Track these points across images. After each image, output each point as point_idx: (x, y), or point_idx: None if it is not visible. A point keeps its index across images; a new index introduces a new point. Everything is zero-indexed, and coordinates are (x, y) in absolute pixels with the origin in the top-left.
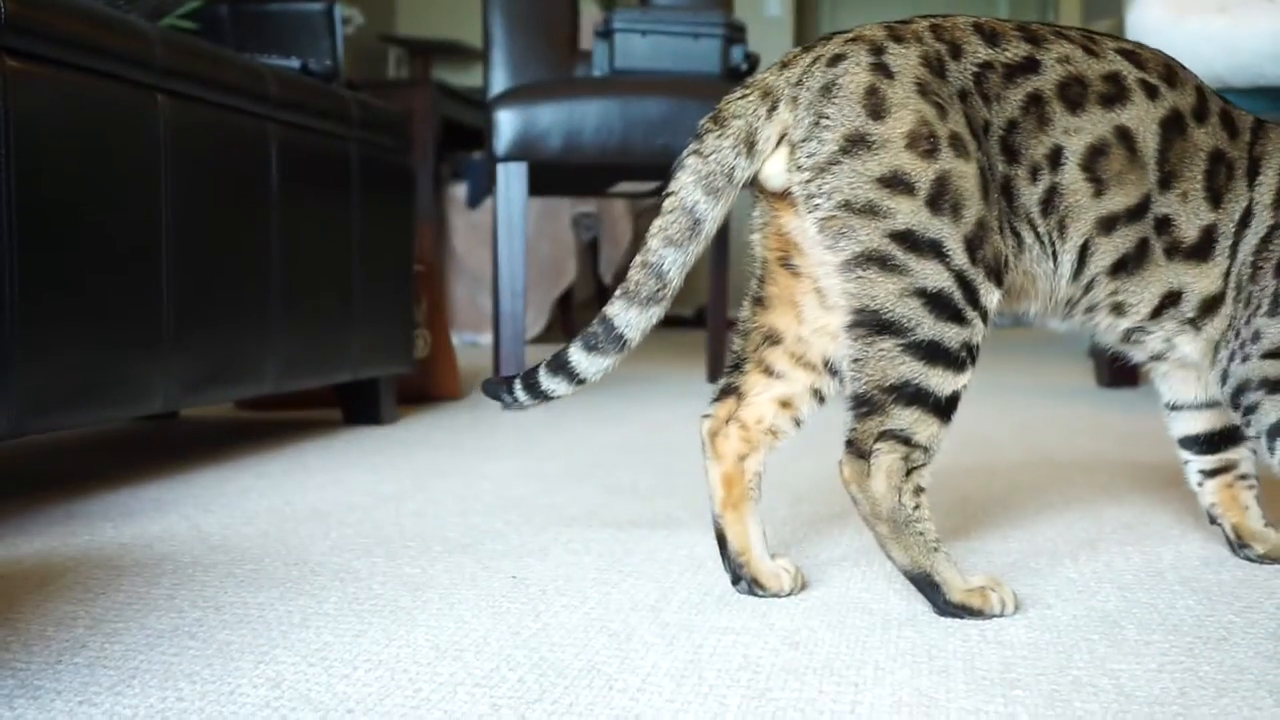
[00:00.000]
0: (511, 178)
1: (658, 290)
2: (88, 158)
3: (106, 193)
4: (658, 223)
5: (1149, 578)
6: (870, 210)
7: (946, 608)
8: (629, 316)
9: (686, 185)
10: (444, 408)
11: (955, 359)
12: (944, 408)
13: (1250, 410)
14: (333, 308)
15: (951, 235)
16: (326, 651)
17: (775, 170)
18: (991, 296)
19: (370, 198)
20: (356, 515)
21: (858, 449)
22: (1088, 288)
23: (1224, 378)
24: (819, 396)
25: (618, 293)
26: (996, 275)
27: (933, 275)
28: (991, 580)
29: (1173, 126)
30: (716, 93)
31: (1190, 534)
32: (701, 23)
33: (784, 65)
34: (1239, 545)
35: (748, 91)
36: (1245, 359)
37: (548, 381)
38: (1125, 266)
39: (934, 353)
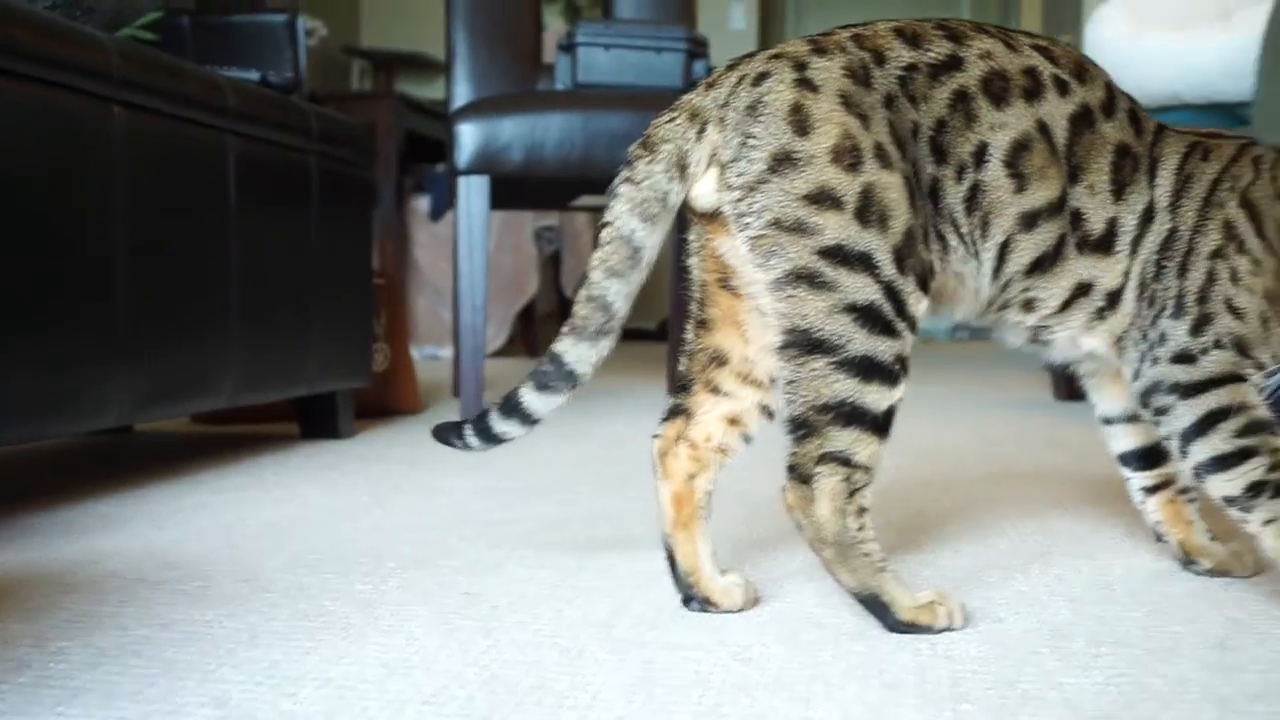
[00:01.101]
0: (473, 191)
1: (605, 322)
2: (42, 169)
3: (61, 205)
4: (597, 255)
5: (1099, 590)
6: (799, 228)
7: (896, 625)
8: (579, 352)
9: (622, 214)
10: (403, 422)
11: (889, 373)
12: (881, 424)
13: (1161, 412)
14: (290, 321)
15: (880, 247)
16: (274, 669)
17: (705, 191)
18: (919, 305)
19: (330, 211)
20: (310, 531)
21: (800, 474)
22: (1005, 286)
23: (1135, 376)
24: (767, 413)
25: (565, 329)
26: (923, 282)
27: (862, 289)
28: (939, 594)
29: (1081, 121)
30: None
31: (1141, 547)
32: (664, 37)
33: (710, 85)
34: (1187, 561)
35: (675, 114)
36: (1155, 361)
37: (500, 424)
38: (1043, 264)
39: (867, 368)
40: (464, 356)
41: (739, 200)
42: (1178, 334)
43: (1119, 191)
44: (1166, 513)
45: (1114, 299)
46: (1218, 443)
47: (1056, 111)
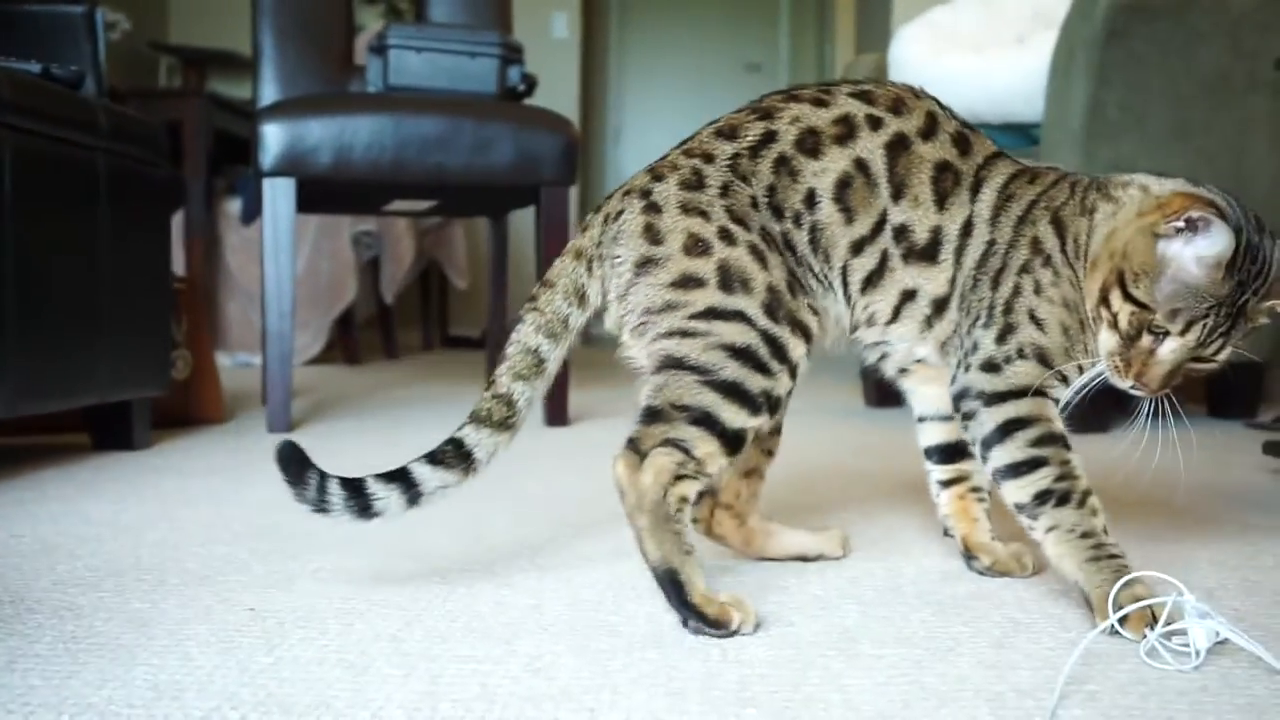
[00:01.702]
0: (279, 194)
1: (508, 416)
2: None
3: None
4: (504, 365)
5: (889, 592)
6: (669, 307)
7: (686, 607)
8: (479, 437)
9: (528, 333)
10: (205, 431)
11: (753, 402)
12: (730, 439)
13: (968, 417)
14: (77, 327)
15: (749, 304)
16: (31, 695)
17: (611, 320)
18: (798, 350)
19: (121, 211)
20: (89, 547)
21: (636, 447)
22: (852, 307)
23: (952, 381)
24: (768, 452)
25: (468, 417)
26: (803, 330)
27: (739, 334)
28: (734, 599)
29: (897, 147)
30: (491, 112)
31: (933, 548)
32: (478, 42)
33: (585, 229)
34: (968, 557)
35: (564, 255)
36: (967, 368)
37: (380, 490)
38: (872, 280)
39: (733, 391)
40: (271, 363)
41: (618, 305)
42: (986, 343)
43: (941, 202)
44: (955, 507)
45: (940, 306)
46: (1013, 450)
47: (871, 145)
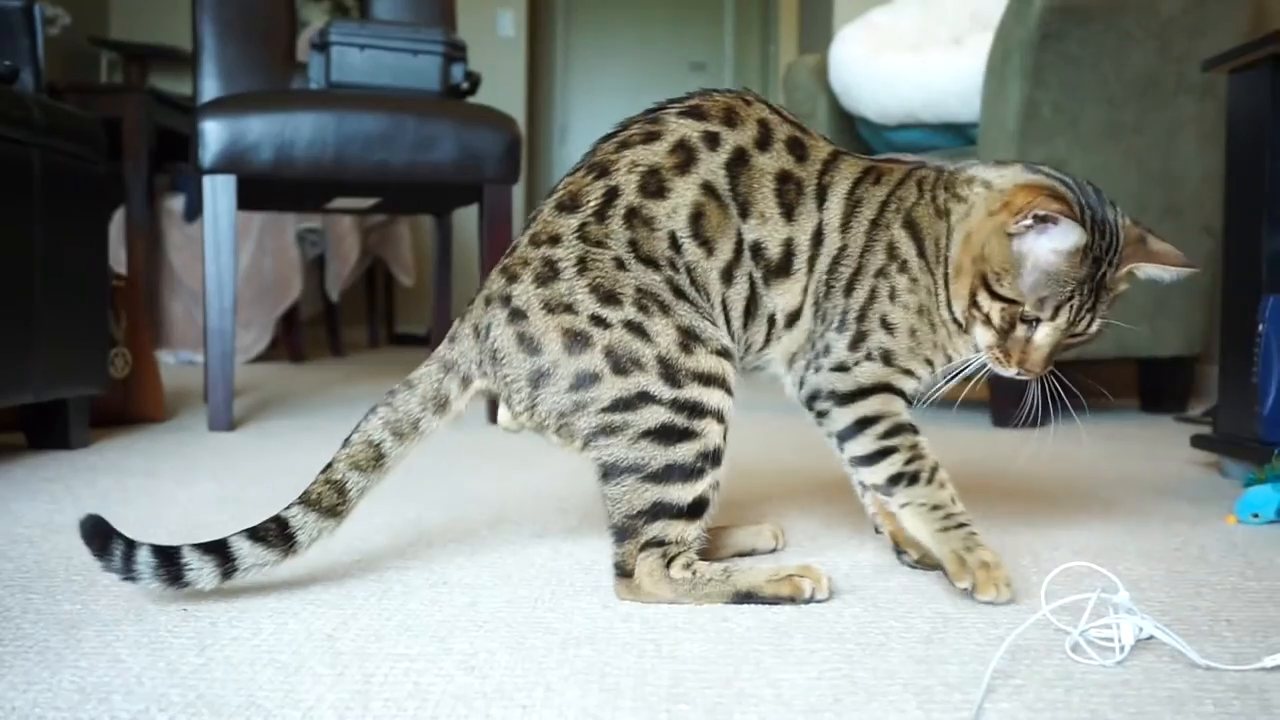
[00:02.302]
0: (219, 191)
1: (338, 504)
2: None
3: None
4: (345, 450)
5: None
6: (578, 406)
7: (774, 602)
8: (305, 519)
9: (376, 426)
10: (144, 430)
11: (693, 470)
12: (690, 510)
13: (822, 415)
14: (9, 325)
15: (649, 381)
16: None
17: (506, 419)
18: (713, 397)
19: (56, 208)
20: (20, 548)
21: (623, 570)
22: (738, 341)
23: (800, 384)
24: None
25: (298, 498)
26: (712, 379)
27: (651, 417)
28: (800, 569)
29: (737, 163)
30: (434, 109)
31: (868, 544)
32: (421, 39)
33: (451, 340)
34: (898, 552)
35: (430, 365)
36: (818, 370)
37: (194, 560)
38: (750, 311)
39: (670, 475)
40: (213, 361)
41: (532, 416)
42: (838, 347)
43: (789, 214)
44: (879, 505)
45: (793, 319)
46: (866, 444)
47: (713, 166)
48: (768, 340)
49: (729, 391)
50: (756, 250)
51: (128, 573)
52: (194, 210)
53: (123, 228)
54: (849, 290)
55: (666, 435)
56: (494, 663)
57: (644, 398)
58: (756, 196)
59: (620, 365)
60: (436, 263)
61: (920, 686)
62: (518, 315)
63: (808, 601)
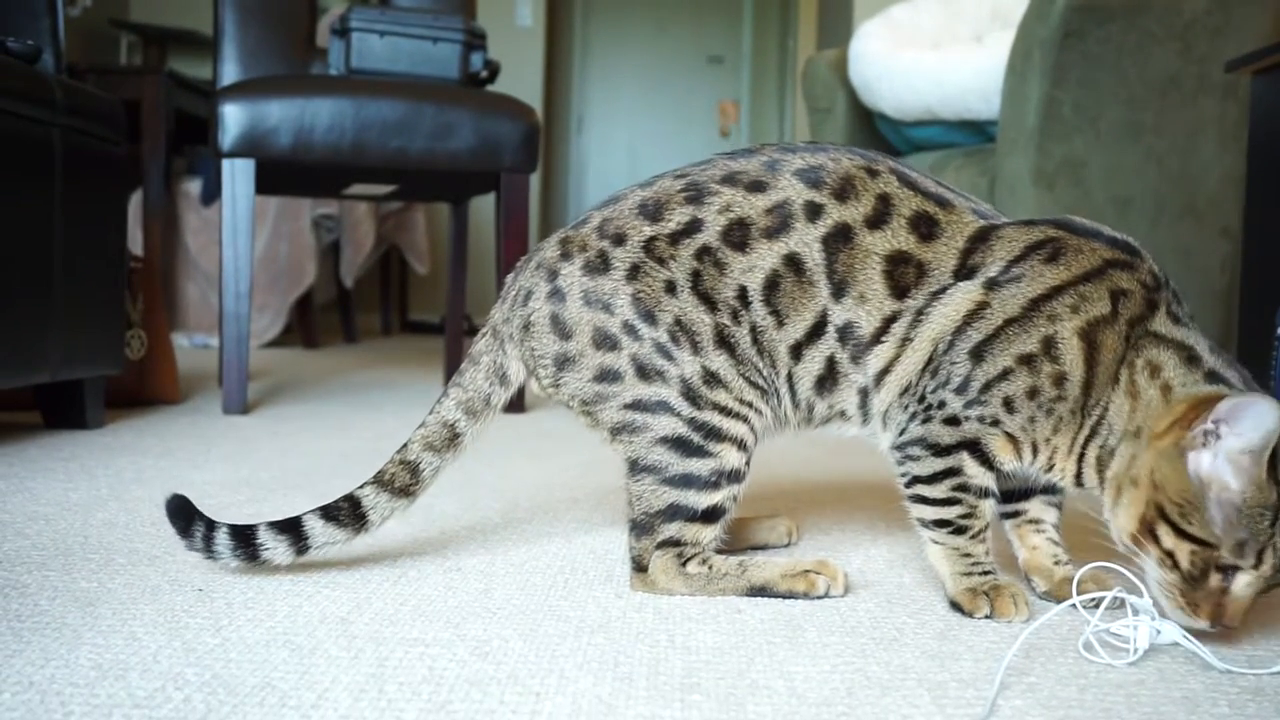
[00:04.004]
0: (237, 175)
1: (410, 484)
2: None
3: None
4: (420, 431)
5: None
6: (600, 397)
7: (789, 597)
8: (378, 499)
9: (450, 407)
10: (159, 411)
11: (708, 482)
12: (705, 515)
13: (911, 459)
14: (28, 305)
15: (669, 394)
16: None
17: (536, 388)
18: (738, 428)
19: (76, 188)
20: (37, 526)
21: (639, 564)
22: (809, 410)
23: (900, 432)
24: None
25: (370, 478)
26: (737, 414)
27: (668, 426)
28: (816, 564)
29: (837, 238)
30: (453, 97)
31: (881, 539)
32: (441, 27)
33: (502, 300)
34: (1027, 579)
35: (485, 331)
36: (926, 421)
37: (269, 539)
38: (824, 385)
39: (686, 482)
40: (228, 345)
41: (556, 393)
42: (954, 405)
43: (899, 296)
44: (1018, 532)
45: (882, 376)
46: (937, 489)
47: (807, 238)
48: (862, 406)
49: (753, 429)
50: (846, 330)
51: (209, 551)
52: (211, 194)
53: (139, 210)
54: (978, 356)
55: (681, 448)
56: (507, 649)
57: (663, 407)
58: (859, 277)
59: (645, 372)
60: (452, 251)
61: (934, 682)
62: (557, 295)
63: (821, 597)
